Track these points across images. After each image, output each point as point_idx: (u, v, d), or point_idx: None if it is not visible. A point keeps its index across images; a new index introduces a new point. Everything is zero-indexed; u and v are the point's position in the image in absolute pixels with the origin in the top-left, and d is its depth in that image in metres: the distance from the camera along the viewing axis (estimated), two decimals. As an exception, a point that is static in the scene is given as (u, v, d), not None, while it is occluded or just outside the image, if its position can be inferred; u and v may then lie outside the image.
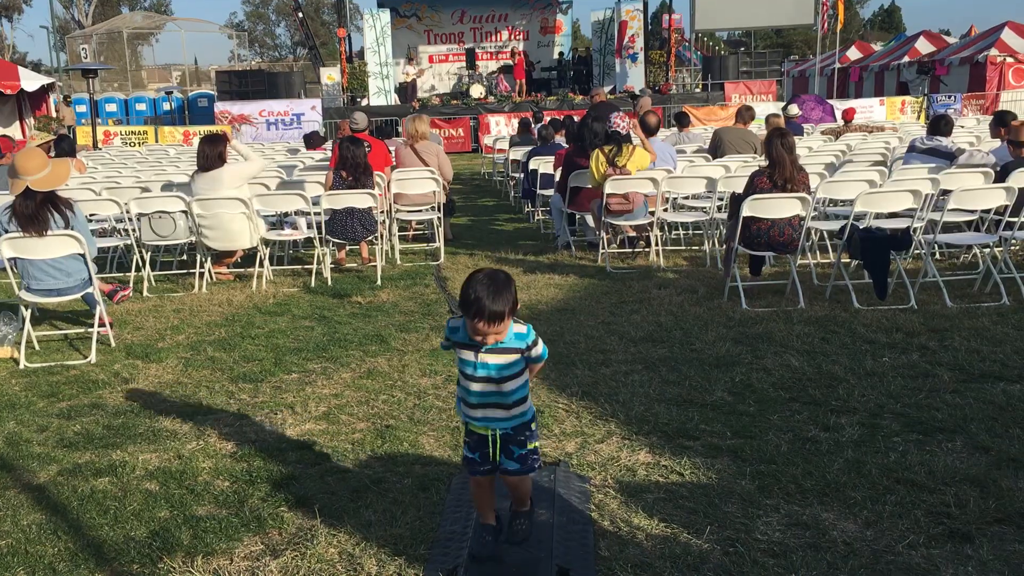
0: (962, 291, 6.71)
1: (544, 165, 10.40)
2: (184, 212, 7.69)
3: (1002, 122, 8.67)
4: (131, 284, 7.60)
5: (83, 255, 5.96)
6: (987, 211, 7.33)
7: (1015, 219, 6.72)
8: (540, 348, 2.97)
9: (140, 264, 7.87)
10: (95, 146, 18.75)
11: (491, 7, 29.63)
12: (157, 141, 22.44)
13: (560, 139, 11.59)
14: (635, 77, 26.30)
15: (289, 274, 8.43)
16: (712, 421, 4.34)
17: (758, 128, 13.13)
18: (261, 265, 7.94)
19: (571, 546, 3.16)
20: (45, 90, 23.84)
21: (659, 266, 8.14)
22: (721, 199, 8.34)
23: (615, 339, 5.83)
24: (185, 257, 8.91)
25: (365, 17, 25.99)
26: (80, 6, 54.63)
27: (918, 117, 22.98)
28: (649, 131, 9.55)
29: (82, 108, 27.40)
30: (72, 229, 5.94)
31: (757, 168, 7.09)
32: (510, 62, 28.14)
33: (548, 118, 15.42)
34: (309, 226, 8.17)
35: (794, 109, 15.13)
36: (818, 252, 8.06)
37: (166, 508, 3.63)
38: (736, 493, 3.58)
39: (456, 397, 3.09)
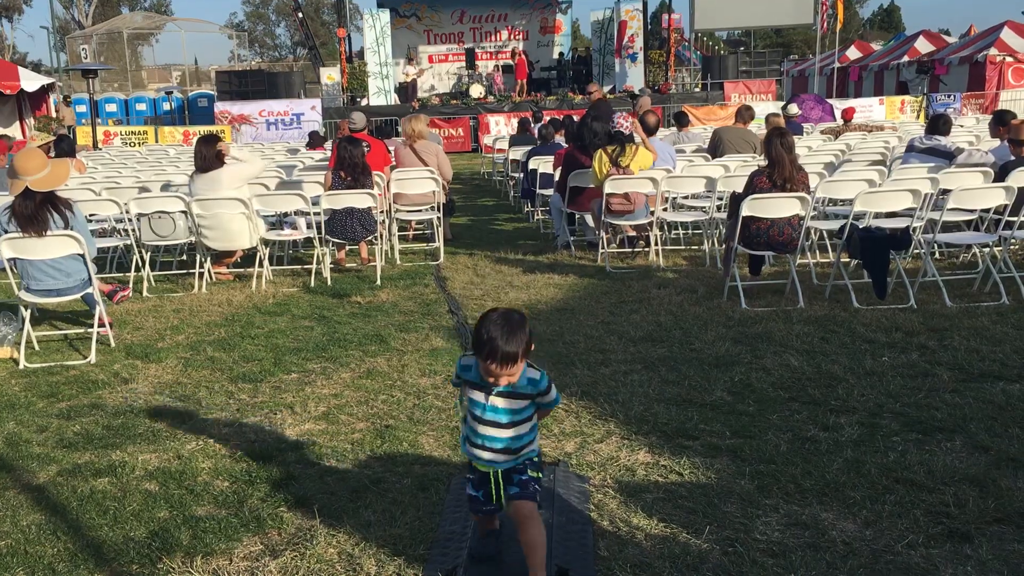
0: (961, 290, 6.71)
1: (544, 165, 10.40)
2: (184, 212, 7.69)
3: (1002, 121, 8.67)
4: (131, 284, 7.61)
5: (83, 255, 5.96)
6: (987, 210, 7.33)
7: (1015, 218, 6.72)
8: (552, 395, 2.91)
9: (140, 264, 7.87)
10: (95, 146, 18.75)
11: (491, 7, 29.63)
12: (157, 141, 22.44)
13: (560, 139, 11.59)
14: (635, 77, 26.30)
15: (289, 274, 8.43)
16: (711, 421, 4.34)
17: (757, 127, 13.14)
18: (261, 265, 7.94)
19: (570, 546, 3.17)
20: (45, 90, 23.84)
21: (659, 266, 8.14)
22: (720, 199, 8.34)
23: (614, 339, 5.83)
24: (185, 257, 8.91)
25: (365, 17, 26.01)
26: (80, 6, 54.65)
27: (917, 116, 22.98)
28: (649, 131, 9.55)
29: (82, 108, 27.40)
30: (72, 229, 5.94)
31: (756, 168, 7.09)
32: (510, 62, 28.14)
33: (548, 118, 15.42)
34: (309, 226, 8.17)
35: (794, 109, 15.13)
36: (817, 252, 8.07)
37: (165, 508, 3.63)
38: (735, 493, 3.58)
39: (461, 434, 3.04)
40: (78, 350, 6.12)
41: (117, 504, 3.67)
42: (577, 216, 9.36)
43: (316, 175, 9.24)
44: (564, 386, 4.92)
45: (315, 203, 8.00)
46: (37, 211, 5.85)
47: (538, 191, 10.61)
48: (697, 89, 28.03)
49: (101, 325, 6.09)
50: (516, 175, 12.82)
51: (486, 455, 2.91)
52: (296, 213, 8.40)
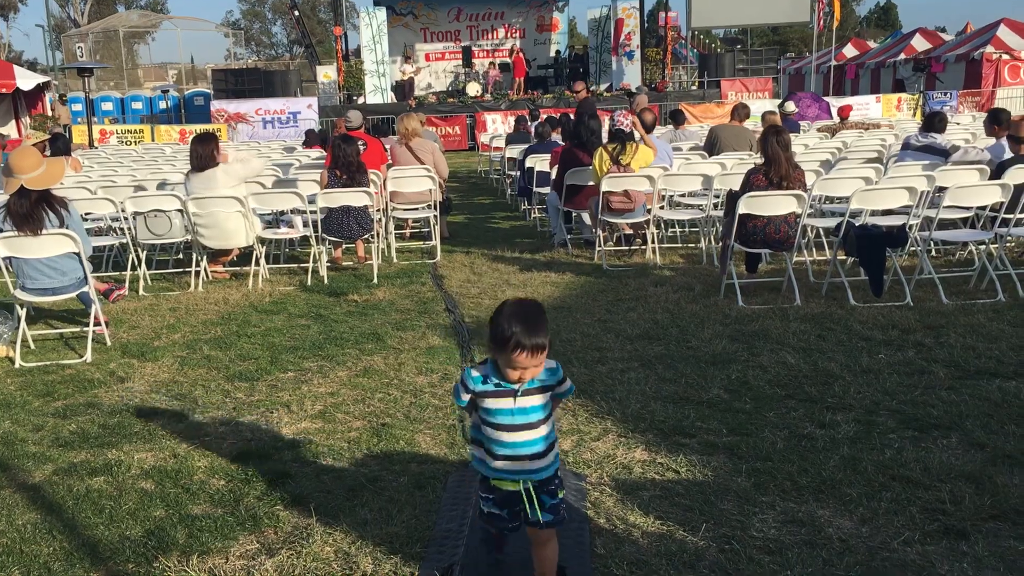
0: (958, 288, 6.72)
1: (540, 163, 10.40)
2: (180, 211, 7.68)
3: (997, 120, 8.67)
4: (127, 283, 7.59)
5: (78, 254, 5.95)
6: (983, 208, 7.34)
7: (1011, 216, 6.72)
8: (568, 383, 2.84)
9: (136, 263, 7.86)
10: (91, 145, 18.72)
11: (487, 5, 29.60)
12: (153, 140, 22.42)
13: (556, 137, 11.59)
14: (631, 75, 26.29)
15: (285, 272, 8.43)
16: (708, 418, 4.34)
17: (754, 125, 13.14)
18: (257, 264, 7.93)
19: (567, 544, 3.16)
20: (41, 89, 23.78)
21: (655, 264, 8.14)
22: (717, 196, 8.34)
23: (611, 337, 5.83)
24: (181, 256, 8.89)
25: (361, 15, 25.97)
26: (76, 5, 54.53)
27: (914, 114, 23.00)
28: (646, 129, 9.56)
29: (78, 107, 27.29)
30: (67, 228, 5.92)
31: (753, 165, 7.10)
32: (507, 60, 28.13)
33: (544, 116, 15.41)
34: (305, 224, 8.16)
35: (790, 106, 15.15)
36: (814, 249, 8.07)
37: (161, 507, 3.62)
38: (732, 490, 3.58)
39: (472, 457, 2.90)
40: (74, 349, 6.11)
41: (113, 503, 3.66)
42: (574, 214, 9.36)
43: (312, 173, 9.24)
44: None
45: (311, 201, 7.99)
46: (32, 210, 5.84)
47: (535, 189, 10.61)
48: (694, 87, 28.02)
49: (97, 324, 6.08)
50: (513, 173, 12.81)
51: (514, 465, 2.76)
52: (292, 211, 8.39)
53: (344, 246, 8.72)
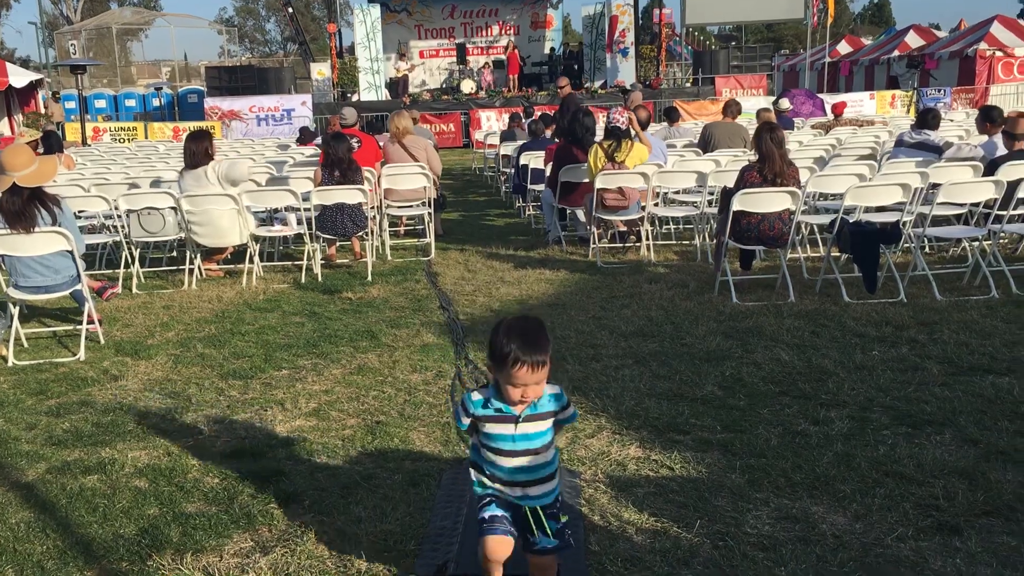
0: (951, 284, 6.74)
1: (535, 160, 10.39)
2: (173, 208, 7.66)
3: (988, 118, 8.69)
4: (120, 281, 7.57)
5: (71, 252, 5.93)
6: (976, 204, 7.35)
7: (1004, 212, 6.74)
8: (571, 409, 2.76)
9: (129, 261, 7.84)
10: (84, 142, 18.67)
11: (481, 2, 29.55)
12: (147, 137, 22.36)
13: (548, 133, 11.57)
14: (626, 72, 26.28)
15: (279, 270, 8.41)
16: (702, 415, 4.35)
17: (747, 122, 13.15)
18: (251, 261, 7.92)
19: (561, 541, 3.16)
20: (34, 86, 23.71)
21: (650, 261, 8.14)
22: (711, 193, 8.35)
23: (605, 334, 5.83)
24: (175, 253, 8.87)
25: (355, 12, 25.91)
26: (69, 2, 54.34)
27: (908, 111, 23.02)
28: (640, 126, 9.55)
29: (71, 104, 27.27)
30: (60, 226, 5.90)
31: (747, 162, 7.10)
32: (501, 57, 28.10)
33: (539, 113, 15.40)
34: (299, 222, 8.15)
35: (785, 103, 15.14)
36: (808, 246, 8.08)
37: (155, 505, 3.62)
38: (726, 487, 3.59)
39: (473, 483, 2.77)
40: (67, 347, 6.09)
41: (107, 501, 3.66)
42: (568, 211, 9.36)
43: (306, 171, 9.22)
44: (555, 381, 4.90)
45: (305, 199, 7.98)
46: (24, 207, 5.82)
47: (529, 186, 10.61)
48: (688, 84, 28.01)
49: (90, 322, 6.06)
50: (507, 170, 12.80)
51: (517, 491, 2.69)
52: (286, 209, 8.38)
53: (338, 243, 8.71)
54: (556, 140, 10.26)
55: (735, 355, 5.26)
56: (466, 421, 2.70)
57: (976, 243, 6.97)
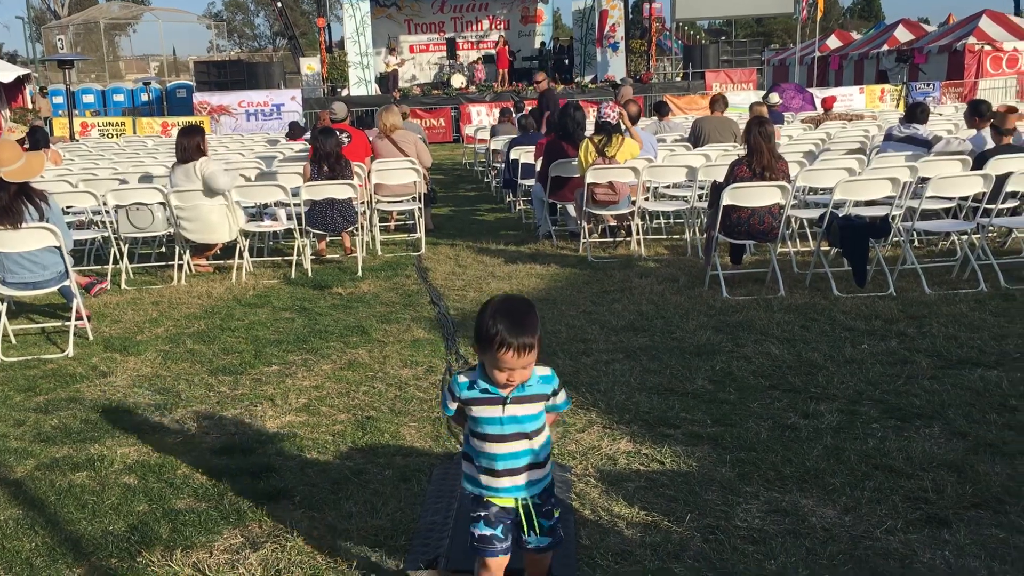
0: (940, 278, 6.76)
1: (525, 155, 10.38)
2: (162, 204, 7.63)
3: (977, 112, 8.73)
4: (108, 277, 7.54)
5: (59, 248, 5.90)
6: (965, 198, 7.38)
7: (992, 206, 6.76)
8: (563, 395, 2.66)
9: (118, 256, 7.80)
10: (72, 137, 18.57)
11: (471, -4, 29.53)
12: (135, 132, 22.25)
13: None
14: (616, 66, 26.27)
15: (269, 266, 8.39)
16: (692, 409, 4.35)
17: (739, 116, 13.17)
18: (241, 257, 7.89)
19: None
20: (21, 81, 23.56)
21: (640, 255, 8.15)
22: (702, 188, 8.35)
23: (596, 328, 5.84)
24: (164, 249, 8.84)
25: (344, 6, 25.79)
26: (56, -4, 53.98)
27: (897, 105, 23.10)
28: (631, 120, 9.55)
29: (59, 99, 27.11)
30: (47, 221, 5.87)
31: (737, 157, 7.11)
32: (492, 51, 28.06)
33: (529, 108, 15.39)
34: (289, 217, 8.12)
35: (775, 98, 15.15)
36: (798, 240, 8.10)
37: (145, 502, 3.60)
38: (716, 481, 3.60)
39: (464, 476, 2.69)
40: (55, 343, 6.06)
41: (96, 498, 3.64)
42: (559, 206, 9.36)
43: (296, 166, 9.18)
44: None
45: (295, 194, 7.95)
46: (11, 203, 5.78)
47: (520, 181, 10.60)
48: (678, 79, 28.05)
49: (79, 318, 6.03)
50: (497, 165, 12.79)
51: (505, 481, 2.59)
52: (276, 204, 8.35)
53: (328, 239, 8.69)
54: (546, 134, 10.25)
55: (725, 349, 5.27)
56: (453, 406, 2.61)
57: (965, 237, 6.99)
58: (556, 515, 2.68)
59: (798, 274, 7.06)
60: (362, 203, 8.66)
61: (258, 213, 8.85)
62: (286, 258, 8.36)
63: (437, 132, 23.46)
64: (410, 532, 3.29)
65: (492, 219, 11.10)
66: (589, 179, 8.06)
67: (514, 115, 14.75)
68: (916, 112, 9.00)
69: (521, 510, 2.61)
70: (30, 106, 24.10)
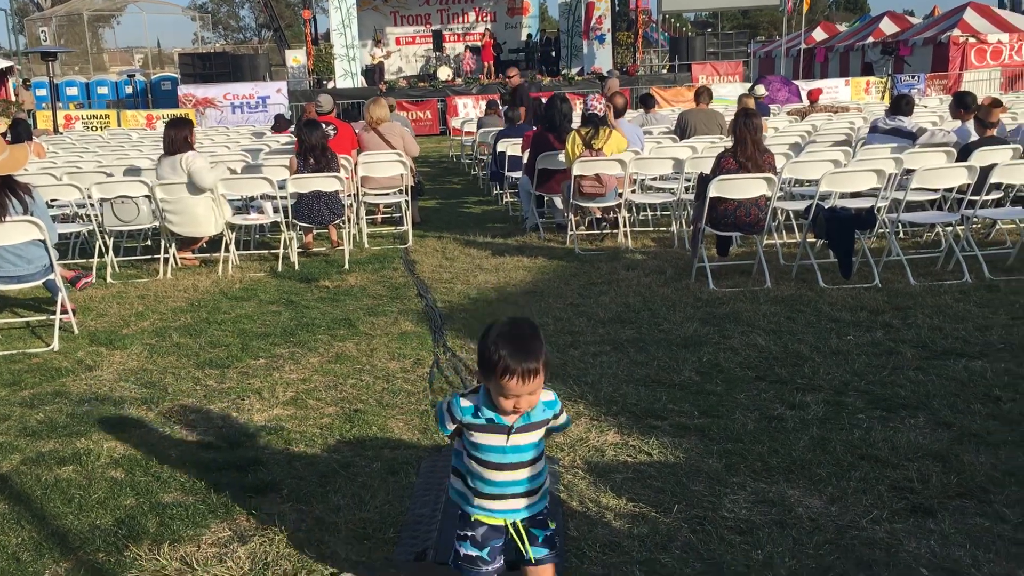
0: (925, 269, 6.80)
1: (512, 147, 10.37)
2: (147, 197, 7.58)
3: (962, 103, 8.76)
4: (94, 270, 7.49)
5: (44, 241, 5.86)
6: (949, 190, 7.42)
7: (977, 197, 6.80)
8: (564, 416, 2.57)
9: (103, 250, 7.76)
10: (56, 130, 18.43)
11: (458, -12, 29.42)
12: (119, 125, 22.10)
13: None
14: (603, 58, 26.26)
15: (256, 259, 8.36)
16: (680, 401, 4.37)
17: (725, 108, 13.19)
18: (227, 250, 7.86)
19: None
20: (4, 74, 23.40)
21: (627, 247, 8.16)
22: (688, 180, 8.37)
23: (583, 321, 5.84)
24: (149, 243, 8.79)
25: (330, -1, 25.69)
26: (38, -12, 53.49)
27: (882, 97, 23.19)
28: (617, 113, 9.56)
29: (42, 92, 26.90)
30: (31, 215, 5.83)
31: (724, 149, 7.13)
32: (478, 43, 27.99)
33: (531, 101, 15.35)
34: (275, 210, 8.09)
35: (760, 90, 15.22)
36: (784, 232, 8.12)
37: (132, 496, 3.59)
38: (703, 472, 3.61)
39: (451, 489, 2.61)
40: (40, 337, 6.02)
41: (82, 492, 3.62)
42: (546, 198, 9.36)
43: (282, 159, 9.15)
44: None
45: (281, 187, 7.92)
46: (-5, 196, 5.73)
47: (506, 174, 10.59)
48: (665, 71, 28.04)
49: (64, 312, 6.00)
50: (484, 157, 12.77)
51: (498, 504, 2.50)
52: (262, 197, 8.31)
53: (315, 232, 8.66)
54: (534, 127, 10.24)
55: (712, 341, 5.29)
56: (451, 427, 2.51)
57: (949, 228, 7.03)
58: (552, 525, 2.58)
59: (784, 266, 7.09)
60: (349, 196, 8.63)
61: (244, 206, 8.81)
62: (273, 251, 8.33)
63: (424, 124, 23.40)
64: (398, 524, 3.29)
65: (479, 211, 11.09)
66: (576, 171, 8.06)
67: (501, 107, 14.72)
68: (901, 104, 9.04)
69: (512, 532, 2.51)
70: (13, 99, 23.91)
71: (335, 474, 3.72)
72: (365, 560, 3.07)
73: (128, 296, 7.06)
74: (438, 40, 28.55)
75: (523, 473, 2.48)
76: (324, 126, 8.80)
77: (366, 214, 9.39)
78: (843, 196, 7.41)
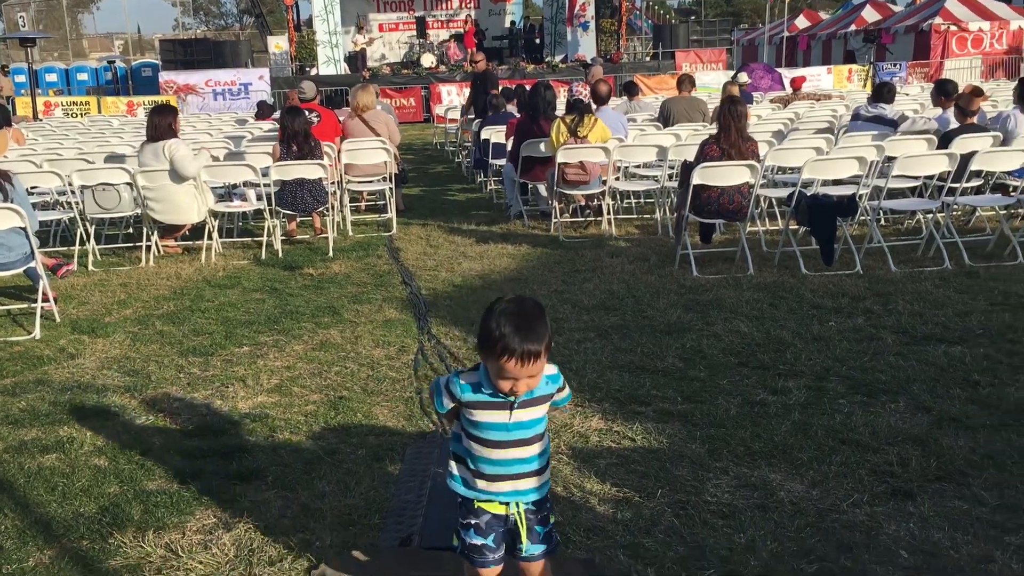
0: (906, 256, 6.85)
1: (496, 135, 10.35)
2: (129, 184, 7.53)
3: (943, 91, 8.82)
4: (75, 258, 7.44)
5: (24, 229, 5.81)
6: (930, 177, 7.48)
7: (957, 185, 6.86)
8: (567, 390, 2.50)
9: (84, 238, 7.70)
10: (35, 117, 18.24)
11: (441, -26, 29.24)
12: (100, 112, 21.89)
13: (511, 108, 11.55)
14: (586, 46, 26.21)
15: (239, 246, 8.32)
16: (663, 387, 4.40)
17: (708, 96, 13.20)
18: (210, 237, 7.82)
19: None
20: (-19, 60, 23.10)
21: (611, 235, 8.18)
22: (672, 167, 8.39)
23: (568, 307, 5.86)
24: (131, 230, 8.73)
25: (312, -16, 25.48)
26: (16, -28, 52.78)
27: (864, 85, 23.28)
28: (600, 100, 9.57)
29: (21, 78, 26.62)
30: (11, 202, 5.78)
31: (708, 136, 7.15)
32: (461, 30, 27.85)
33: (499, 87, 15.31)
34: (258, 198, 8.05)
35: (743, 77, 15.24)
36: (767, 219, 8.16)
37: (116, 484, 3.58)
38: (687, 457, 3.64)
39: (450, 475, 2.49)
40: (22, 325, 5.98)
41: (66, 480, 3.61)
42: (530, 186, 9.36)
43: (265, 146, 9.10)
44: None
45: (264, 174, 7.88)
46: (-26, 184, 5.68)
47: (491, 161, 10.57)
48: (648, 58, 28.04)
49: (45, 300, 5.96)
50: (468, 145, 12.74)
51: (505, 485, 2.40)
52: (245, 184, 8.27)
53: (298, 219, 8.63)
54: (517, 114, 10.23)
55: (695, 327, 5.32)
56: (448, 404, 2.40)
57: (930, 215, 7.09)
58: (552, 520, 2.52)
59: (767, 253, 7.13)
60: (332, 183, 8.60)
61: (227, 193, 8.76)
62: (256, 239, 8.29)
63: (407, 112, 23.30)
64: (383, 511, 3.30)
65: (463, 199, 11.07)
66: (560, 158, 8.06)
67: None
68: (883, 92, 9.09)
69: (518, 518, 2.43)
70: (-9, 85, 23.65)
71: (320, 461, 3.72)
72: (350, 546, 3.08)
73: (110, 284, 7.01)
74: (421, 27, 28.38)
75: (529, 451, 2.40)
76: (307, 113, 8.76)
77: (350, 202, 9.36)
78: (825, 183, 7.45)
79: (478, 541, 2.44)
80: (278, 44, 26.41)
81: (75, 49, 40.28)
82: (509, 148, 9.41)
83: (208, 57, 25.99)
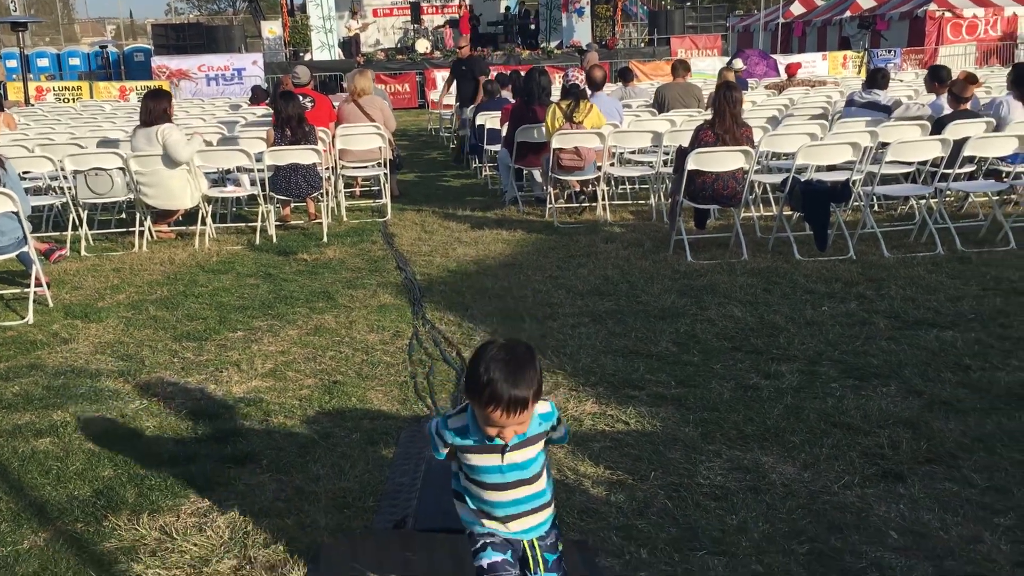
0: (899, 241, 6.87)
1: (491, 120, 10.34)
2: (122, 169, 7.50)
3: (937, 77, 8.82)
4: (68, 243, 7.42)
5: (16, 213, 5.80)
6: (923, 163, 7.48)
7: (950, 171, 6.87)
8: (563, 428, 2.43)
9: (77, 223, 7.68)
10: (27, 102, 18.16)
11: (436, -41, 29.09)
12: (92, 97, 21.79)
13: (506, 94, 11.53)
14: (582, 31, 26.16)
15: (233, 232, 8.30)
16: (657, 371, 4.41)
17: (703, 82, 13.18)
18: (204, 223, 7.80)
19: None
20: (-28, 44, 22.95)
21: (606, 220, 8.18)
22: (667, 153, 8.38)
23: (562, 293, 5.87)
24: (124, 215, 8.70)
25: (306, -31, 25.33)
26: (6, -44, 52.40)
27: (859, 72, 23.28)
28: (595, 86, 9.55)
29: (12, 63, 26.44)
30: (4, 187, 5.76)
31: (703, 122, 7.15)
32: (456, 16, 27.74)
33: (494, 73, 15.28)
34: (252, 183, 8.03)
35: (738, 64, 15.21)
36: (761, 205, 8.17)
37: (110, 467, 3.59)
38: (680, 440, 3.66)
39: (463, 517, 2.42)
40: (15, 310, 5.97)
41: (60, 464, 3.62)
42: (525, 172, 9.35)
43: (259, 131, 9.07)
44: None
45: (258, 159, 7.86)
46: (-33, 168, 5.66)
47: (485, 147, 10.56)
48: (643, 44, 27.97)
49: (38, 285, 5.95)
50: (463, 132, 12.72)
51: (514, 525, 2.35)
52: (239, 169, 8.25)
53: (293, 204, 8.61)
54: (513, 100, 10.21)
55: (689, 312, 5.34)
56: (443, 451, 2.35)
57: (923, 201, 7.10)
58: (560, 547, 2.44)
59: (761, 238, 7.14)
60: (327, 168, 8.58)
61: (221, 179, 8.74)
62: (250, 224, 8.28)
63: (402, 98, 23.26)
64: (378, 494, 3.31)
65: (458, 185, 11.06)
66: (555, 144, 8.05)
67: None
68: (877, 78, 9.09)
69: (529, 551, 2.37)
70: (-18, 70, 23.51)
71: (314, 444, 3.73)
72: (345, 529, 3.09)
73: (103, 269, 7.00)
74: (416, 12, 28.25)
75: (532, 488, 2.33)
76: (301, 98, 8.73)
77: (344, 187, 9.35)
78: (819, 169, 7.46)
79: (497, 558, 2.35)
80: (272, 29, 26.32)
81: (67, 34, 40.08)
82: (504, 134, 9.40)
83: (201, 42, 25.85)
